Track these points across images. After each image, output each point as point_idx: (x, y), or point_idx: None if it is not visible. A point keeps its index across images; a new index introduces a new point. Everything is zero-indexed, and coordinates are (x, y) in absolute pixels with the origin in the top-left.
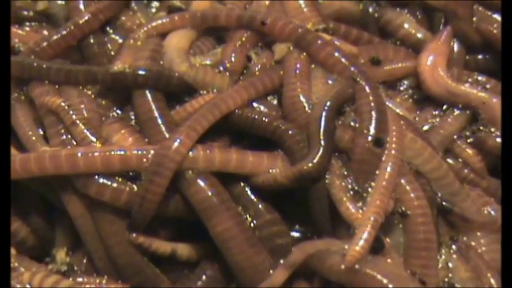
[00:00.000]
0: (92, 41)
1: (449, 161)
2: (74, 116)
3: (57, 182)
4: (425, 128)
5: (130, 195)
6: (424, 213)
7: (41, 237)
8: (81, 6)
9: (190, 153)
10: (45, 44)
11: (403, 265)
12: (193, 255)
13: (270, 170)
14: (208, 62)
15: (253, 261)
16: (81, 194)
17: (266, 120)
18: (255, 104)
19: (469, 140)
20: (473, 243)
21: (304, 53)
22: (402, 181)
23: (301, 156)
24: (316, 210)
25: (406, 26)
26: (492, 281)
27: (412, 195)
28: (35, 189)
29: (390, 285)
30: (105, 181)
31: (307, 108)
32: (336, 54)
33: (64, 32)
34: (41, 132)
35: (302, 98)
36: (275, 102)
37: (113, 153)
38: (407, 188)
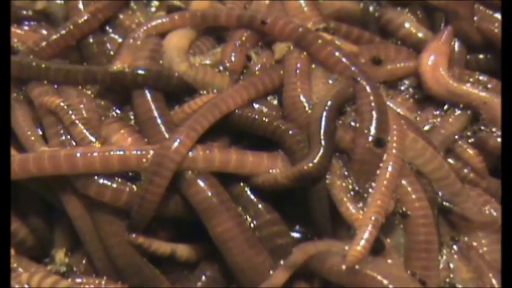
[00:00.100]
0: (91, 40)
1: (450, 161)
2: (73, 116)
3: (57, 183)
4: (426, 128)
5: (130, 195)
6: (425, 214)
7: (40, 238)
8: (80, 6)
9: (190, 153)
10: (44, 43)
11: (403, 266)
12: (192, 256)
13: (270, 170)
14: (208, 62)
15: (254, 262)
16: (80, 195)
17: (266, 120)
18: (255, 104)
19: (470, 140)
20: (474, 244)
21: (305, 53)
22: (404, 182)
23: (301, 156)
24: (317, 211)
25: (406, 25)
26: (493, 281)
27: (413, 196)
28: (34, 190)
29: (390, 286)
30: (105, 182)
31: (307, 108)
32: (337, 53)
33: (63, 32)
34: (40, 132)
35: (302, 98)
36: (275, 102)
37: (112, 153)
38: (409, 189)
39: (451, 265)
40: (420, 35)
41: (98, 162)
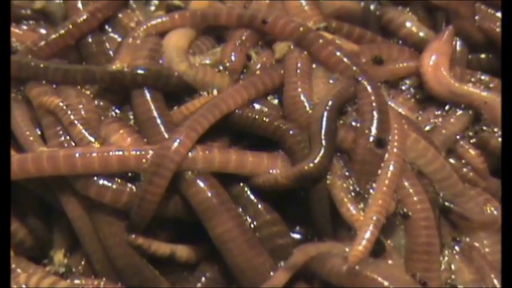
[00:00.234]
0: (90, 40)
1: (451, 160)
2: (72, 116)
3: (56, 183)
4: (428, 128)
5: (130, 196)
6: (426, 216)
7: (39, 239)
8: (79, 5)
9: (190, 153)
10: (42, 43)
11: (404, 267)
12: (192, 257)
13: (270, 171)
14: (207, 62)
15: (254, 262)
16: (79, 195)
17: (267, 120)
18: (255, 104)
19: (472, 141)
20: (476, 244)
21: (305, 52)
22: (406, 183)
23: (302, 156)
24: (317, 211)
25: (408, 24)
26: (495, 281)
27: (415, 198)
28: (33, 190)
29: None
30: (105, 182)
31: (308, 108)
32: (338, 53)
33: (62, 31)
34: (39, 132)
35: (303, 98)
36: (275, 101)
37: (111, 153)
38: (411, 190)
39: (453, 266)
40: (421, 34)
41: (97, 162)
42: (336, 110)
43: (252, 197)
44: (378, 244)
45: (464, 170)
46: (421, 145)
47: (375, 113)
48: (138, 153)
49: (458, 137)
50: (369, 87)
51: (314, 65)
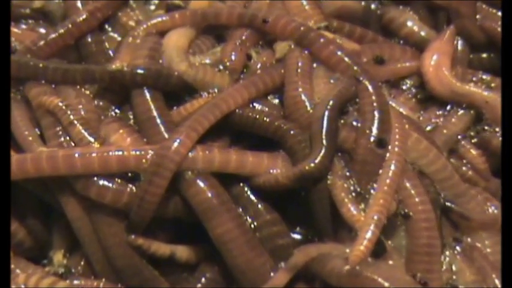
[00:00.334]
0: (89, 39)
1: (452, 160)
2: (71, 116)
3: (55, 184)
4: (429, 128)
5: (131, 196)
6: (428, 218)
7: (38, 239)
8: (79, 5)
9: (190, 153)
10: (42, 42)
11: (404, 268)
12: (192, 258)
13: (271, 171)
14: (207, 61)
15: (254, 263)
16: (79, 196)
17: (267, 120)
18: (255, 104)
19: (473, 140)
20: (478, 245)
21: (306, 52)
22: (407, 184)
23: (303, 156)
24: (318, 212)
25: (409, 24)
26: (497, 282)
27: (416, 199)
28: (32, 191)
29: None
30: (106, 183)
31: (309, 108)
32: (339, 53)
33: (61, 31)
34: (38, 132)
35: (304, 98)
36: (276, 101)
37: (110, 153)
38: (412, 192)
39: (454, 267)
40: (423, 33)
41: (97, 162)
42: (337, 109)
43: (252, 197)
44: (378, 245)
45: (464, 168)
46: (422, 145)
47: (375, 113)
48: (137, 153)
49: (459, 137)
50: (370, 87)
51: (315, 65)
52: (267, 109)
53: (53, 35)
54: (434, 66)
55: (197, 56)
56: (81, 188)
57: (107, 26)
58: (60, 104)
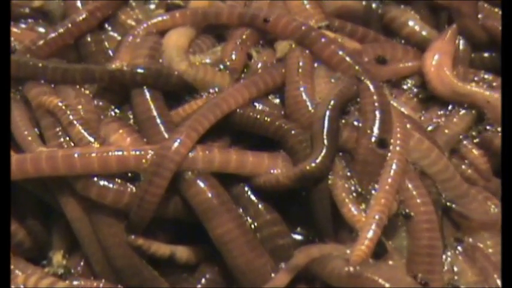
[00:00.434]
0: (89, 39)
1: (453, 160)
2: (71, 117)
3: (55, 184)
4: (430, 127)
5: (131, 197)
6: (429, 219)
7: (37, 240)
8: (79, 4)
9: (190, 153)
10: (41, 42)
11: (405, 268)
12: (192, 258)
13: (271, 171)
14: (208, 61)
15: (255, 264)
16: (78, 196)
17: (268, 119)
18: (256, 103)
19: (475, 140)
20: (480, 245)
21: (307, 51)
22: (409, 185)
23: (303, 156)
24: (318, 212)
25: (410, 23)
26: (499, 282)
27: (418, 200)
28: (32, 191)
29: None
30: (106, 183)
31: (310, 108)
32: (340, 52)
33: (61, 30)
34: (37, 132)
35: (305, 98)
36: (276, 101)
37: (110, 153)
38: (414, 193)
39: (456, 268)
40: (424, 33)
41: (96, 162)
42: (338, 109)
43: (252, 197)
44: (379, 246)
45: (465, 168)
46: (424, 145)
47: (377, 113)
48: (137, 153)
49: (461, 137)
50: (371, 87)
51: (316, 64)
52: (267, 109)
53: (53, 35)
54: (435, 66)
55: (197, 56)
56: (82, 189)
57: (106, 25)
58: (60, 104)
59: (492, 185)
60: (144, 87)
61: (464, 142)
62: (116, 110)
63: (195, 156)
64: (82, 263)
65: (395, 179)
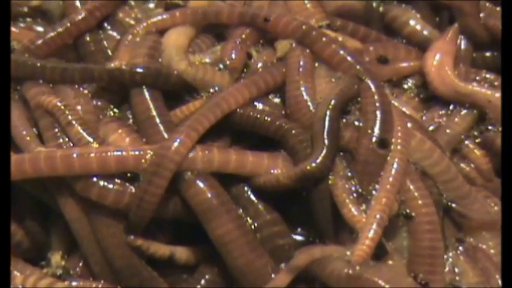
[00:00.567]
0: (88, 39)
1: (454, 160)
2: (69, 117)
3: (53, 184)
4: (432, 127)
5: (132, 197)
6: (431, 220)
7: (36, 240)
8: (78, 3)
9: (189, 153)
10: (40, 41)
11: (406, 269)
12: (192, 259)
13: (272, 171)
14: (207, 60)
15: (255, 265)
16: (77, 197)
17: (268, 119)
18: (256, 103)
19: (477, 140)
20: (481, 246)
21: (308, 50)
22: (411, 187)
23: (304, 156)
24: (319, 212)
25: (412, 23)
26: (500, 282)
27: (420, 201)
28: (30, 191)
29: None
30: (106, 184)
31: (311, 108)
32: (341, 52)
33: (60, 30)
34: (36, 132)
35: (306, 97)
36: (276, 100)
37: (109, 154)
38: (416, 194)
39: (457, 268)
40: (425, 33)
41: (95, 163)
42: (338, 109)
43: (252, 197)
44: (379, 247)
45: (465, 167)
46: (426, 146)
47: (378, 113)
48: (136, 153)
49: (462, 136)
50: (372, 86)
51: (316, 64)
52: (268, 108)
53: (52, 34)
54: (436, 66)
55: (197, 55)
56: (82, 189)
57: (105, 24)
58: (59, 104)
59: (495, 186)
60: (144, 86)
61: (466, 142)
62: (115, 110)
63: (195, 156)
64: (81, 264)
65: (397, 179)
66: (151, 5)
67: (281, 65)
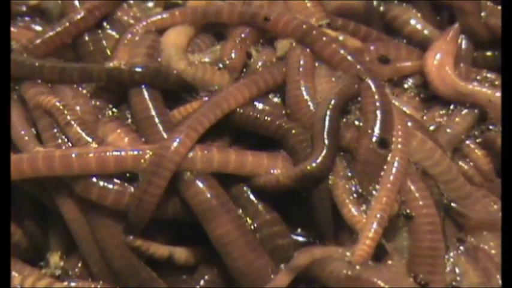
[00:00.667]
0: (86, 38)
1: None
2: (68, 117)
3: (52, 184)
4: (432, 127)
5: (131, 197)
6: (432, 221)
7: (34, 241)
8: (77, 3)
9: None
10: (38, 41)
11: (406, 269)
12: (191, 260)
13: (271, 171)
14: (207, 60)
15: (255, 265)
16: (76, 197)
17: (268, 119)
18: (256, 103)
19: (478, 140)
20: (482, 246)
21: (308, 50)
22: (412, 187)
23: (304, 156)
24: (319, 212)
25: (412, 22)
26: (501, 282)
27: (421, 202)
28: (29, 191)
29: None
30: (106, 184)
31: (312, 107)
32: (342, 51)
33: (59, 29)
34: (34, 132)
35: (306, 97)
36: (276, 100)
37: (108, 154)
38: (417, 195)
39: (458, 268)
40: (426, 32)
41: (94, 163)
42: (338, 109)
43: (251, 197)
44: (379, 248)
45: (466, 167)
46: (427, 146)
47: (378, 113)
48: (135, 153)
49: (463, 136)
50: (372, 86)
51: (316, 63)
52: (268, 108)
53: (50, 33)
54: (437, 66)
55: (196, 55)
56: (82, 190)
57: (104, 24)
58: (58, 104)
59: (496, 186)
60: (143, 86)
61: (467, 142)
62: (114, 110)
63: (194, 156)
64: (80, 264)
65: (397, 178)
66: (151, 4)
67: (281, 64)
